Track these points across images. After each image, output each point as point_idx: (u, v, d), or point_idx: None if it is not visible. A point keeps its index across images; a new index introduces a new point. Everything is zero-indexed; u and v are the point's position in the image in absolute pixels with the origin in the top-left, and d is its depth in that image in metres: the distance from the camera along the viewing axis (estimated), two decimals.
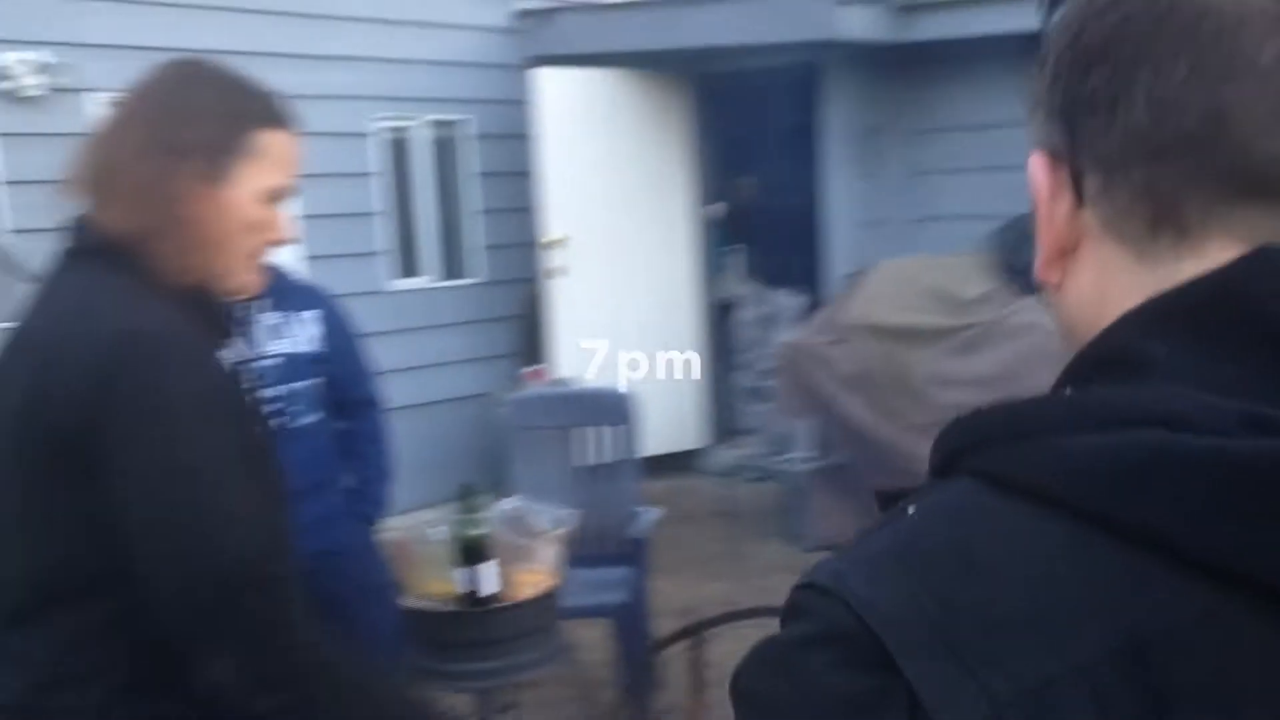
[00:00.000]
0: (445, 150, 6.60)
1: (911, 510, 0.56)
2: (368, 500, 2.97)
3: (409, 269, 6.47)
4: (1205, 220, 0.56)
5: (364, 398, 3.03)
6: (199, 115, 1.45)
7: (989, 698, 0.48)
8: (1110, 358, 0.55)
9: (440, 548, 2.55)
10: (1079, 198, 0.59)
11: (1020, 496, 0.52)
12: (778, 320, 6.65)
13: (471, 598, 2.43)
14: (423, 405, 6.19)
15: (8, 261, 4.12)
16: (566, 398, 4.60)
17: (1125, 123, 0.56)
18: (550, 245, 6.34)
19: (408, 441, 5.84)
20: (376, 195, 6.28)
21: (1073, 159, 0.59)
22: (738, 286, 7.12)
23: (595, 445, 4.01)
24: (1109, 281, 0.58)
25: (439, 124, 6.51)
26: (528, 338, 6.66)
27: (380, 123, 6.24)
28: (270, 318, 2.83)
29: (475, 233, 6.71)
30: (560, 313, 6.38)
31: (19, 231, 4.97)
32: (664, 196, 6.69)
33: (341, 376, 2.90)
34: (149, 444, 1.33)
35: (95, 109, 5.22)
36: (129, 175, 1.41)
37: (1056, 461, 0.51)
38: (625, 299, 6.49)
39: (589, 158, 6.35)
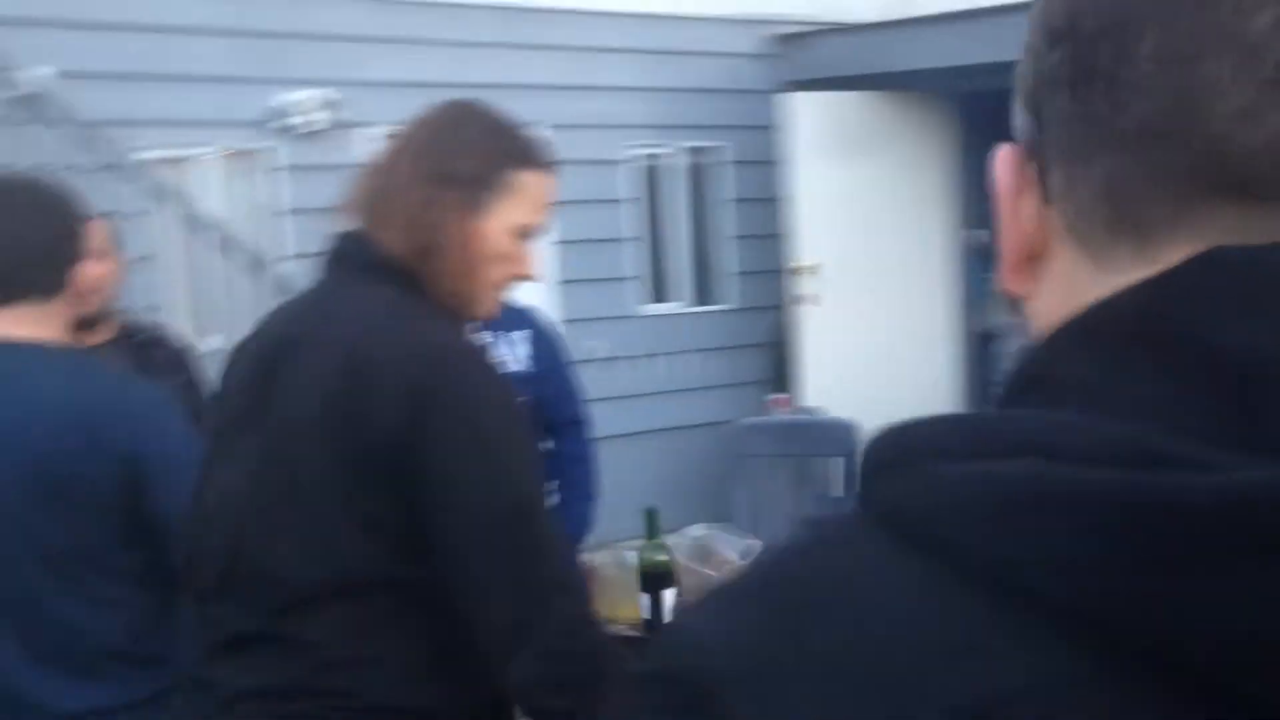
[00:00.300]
0: (699, 176, 6.66)
1: (794, 540, 0.52)
2: (571, 520, 3.01)
3: (659, 294, 6.57)
4: (1171, 223, 0.47)
5: (571, 418, 3.08)
6: (465, 150, 1.58)
7: None
8: (1035, 375, 0.49)
9: (631, 573, 2.55)
10: (1046, 195, 0.52)
11: (891, 529, 0.47)
12: None
13: (650, 625, 2.41)
14: (670, 430, 6.24)
15: (285, 288, 4.47)
16: (793, 426, 4.52)
17: (1085, 108, 0.49)
18: (800, 272, 6.26)
19: (654, 466, 5.95)
20: (628, 221, 6.41)
21: (1039, 150, 0.52)
22: (1002, 316, 6.79)
23: (825, 477, 3.92)
24: (1072, 293, 0.50)
25: (693, 150, 6.59)
26: (776, 365, 6.60)
27: (634, 150, 6.38)
28: (480, 337, 2.92)
29: (727, 259, 6.73)
30: (809, 340, 6.28)
31: (299, 256, 5.40)
32: (922, 221, 6.47)
33: (550, 397, 2.96)
34: (470, 456, 1.43)
35: (374, 142, 5.62)
36: (400, 200, 1.55)
37: (925, 492, 0.46)
38: (878, 328, 6.32)
39: (842, 182, 6.24)
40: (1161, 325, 0.45)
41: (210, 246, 4.31)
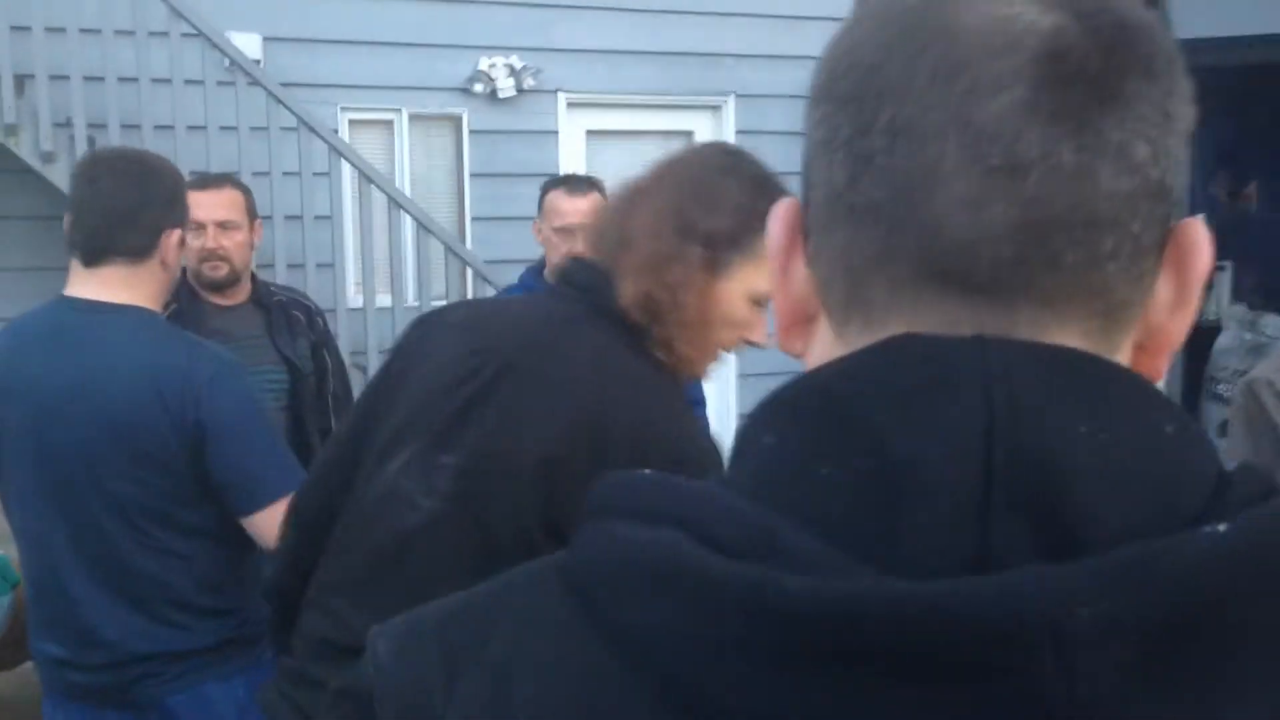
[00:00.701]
0: None
1: (501, 578, 0.53)
2: None
3: None
4: (887, 306, 0.46)
5: None
6: (718, 205, 1.45)
7: None
8: (738, 443, 0.48)
9: None
10: (807, 258, 0.51)
11: (565, 583, 0.47)
12: (1269, 350, 5.76)
13: None
14: None
15: (458, 253, 4.60)
16: None
17: (829, 176, 0.47)
18: None
19: None
20: None
21: (804, 212, 0.50)
22: (1220, 309, 6.27)
23: None
24: (824, 360, 0.48)
25: None
26: None
27: None
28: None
29: None
30: None
31: (476, 220, 5.54)
32: None
33: None
34: None
35: (559, 108, 5.70)
36: (643, 251, 1.43)
37: (585, 549, 0.47)
38: None
39: None
40: (829, 410, 0.44)
41: (389, 208, 4.46)
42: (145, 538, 1.89)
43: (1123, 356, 0.46)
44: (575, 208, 2.97)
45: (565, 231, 2.96)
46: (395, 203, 4.45)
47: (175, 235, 1.96)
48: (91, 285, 1.91)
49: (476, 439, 1.36)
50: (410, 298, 4.76)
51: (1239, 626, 0.38)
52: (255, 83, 4.29)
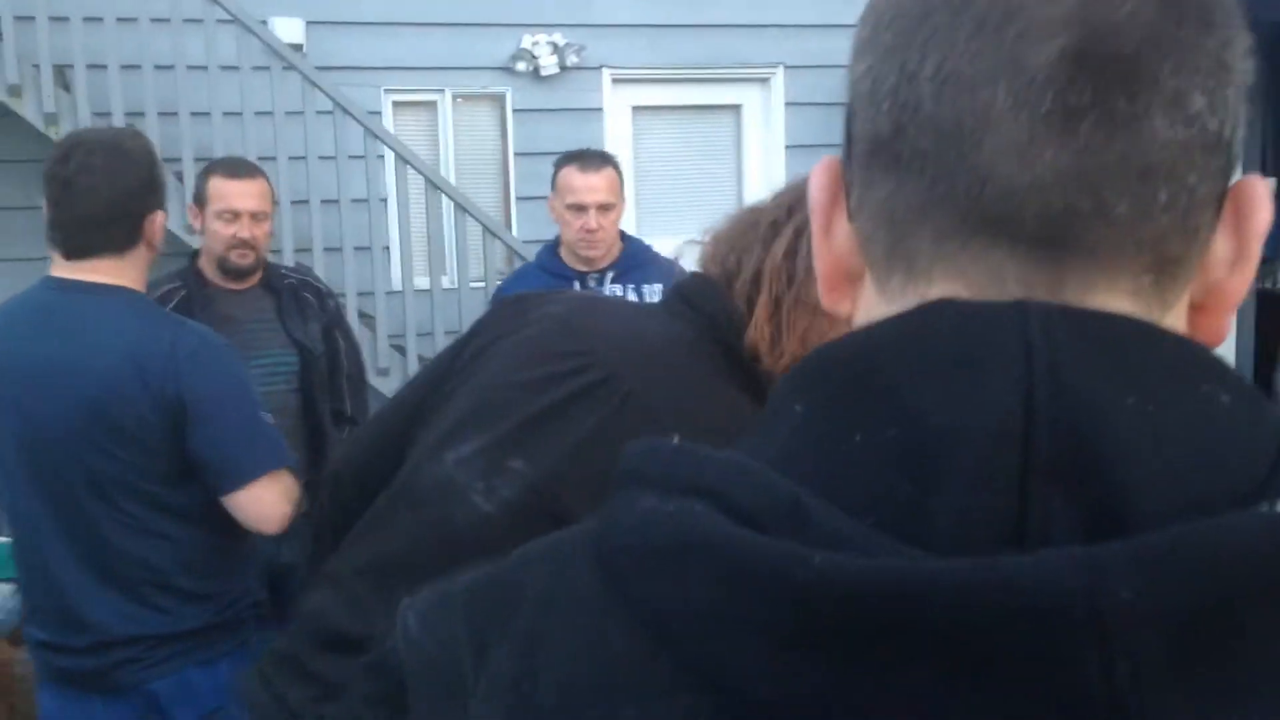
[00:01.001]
0: None
1: (531, 547, 0.52)
2: None
3: None
4: (931, 258, 0.45)
5: None
6: None
7: None
8: (769, 409, 0.47)
9: None
10: (849, 212, 0.50)
11: (594, 554, 0.46)
12: None
13: None
14: None
15: (496, 234, 4.58)
16: None
17: (874, 127, 0.46)
18: None
19: None
20: None
21: (848, 164, 0.49)
22: None
23: None
24: (868, 319, 0.48)
25: None
26: None
27: None
28: (614, 289, 2.86)
29: None
30: None
31: (521, 199, 5.51)
32: None
33: None
34: None
35: (603, 84, 5.64)
36: (773, 290, 1.28)
37: (613, 520, 0.45)
38: None
39: None
40: (862, 379, 0.43)
41: (427, 190, 4.46)
42: (126, 517, 1.89)
43: (1178, 315, 0.45)
44: (588, 184, 2.91)
45: (578, 208, 2.91)
46: (433, 184, 4.44)
47: (158, 218, 1.95)
48: (77, 271, 1.91)
49: (558, 454, 1.20)
50: (451, 281, 4.76)
51: None
52: (291, 67, 4.30)
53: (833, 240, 0.50)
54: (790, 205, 1.32)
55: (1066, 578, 0.35)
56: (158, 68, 4.21)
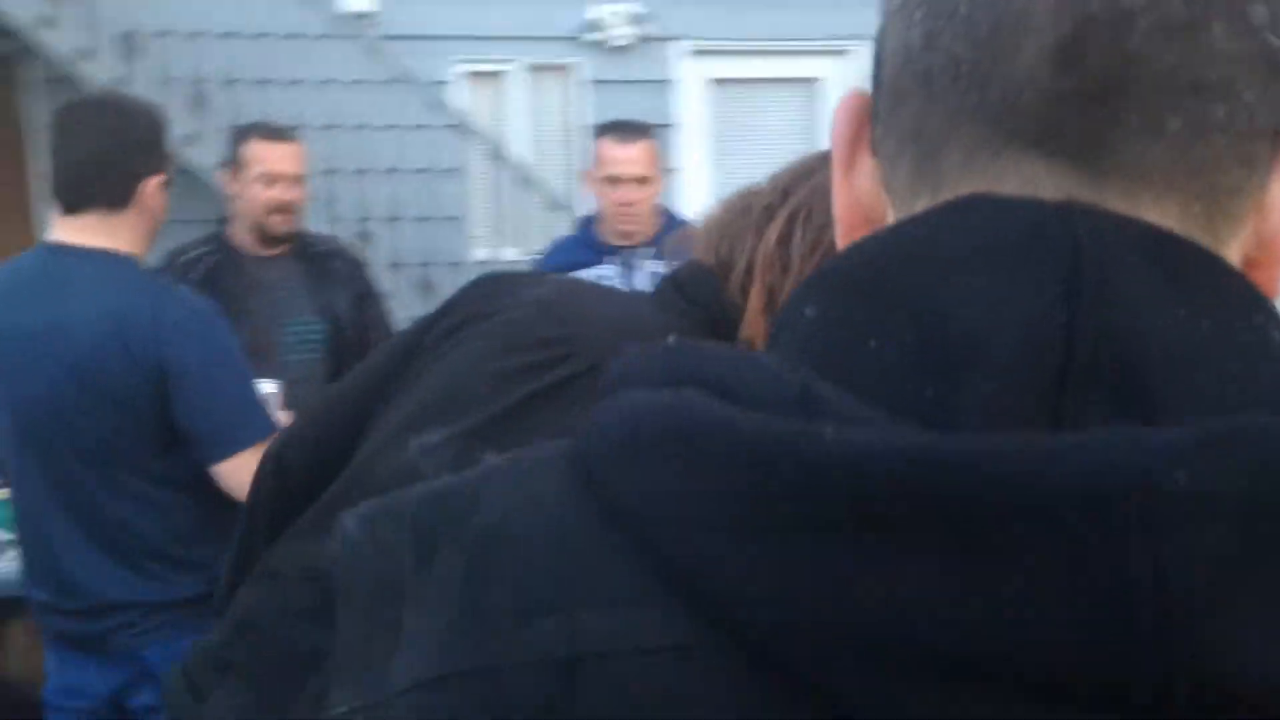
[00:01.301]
0: None
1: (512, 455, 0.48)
2: None
3: None
4: (964, 171, 0.41)
5: None
6: None
7: (399, 675, 0.40)
8: (780, 321, 0.44)
9: None
10: (873, 146, 0.46)
11: (572, 458, 0.43)
12: None
13: None
14: None
15: (559, 202, 4.53)
16: None
17: (904, 42, 0.42)
18: None
19: None
20: None
21: (874, 98, 0.45)
22: None
23: None
24: None
25: None
26: None
27: None
28: (654, 266, 2.79)
29: None
30: None
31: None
32: None
33: None
34: None
35: (680, 58, 5.54)
36: (765, 275, 1.20)
37: (595, 420, 0.42)
38: None
39: None
40: (880, 278, 0.40)
41: (492, 160, 4.43)
42: (116, 484, 1.88)
43: (1230, 257, 0.41)
44: (625, 155, 2.83)
45: (613, 180, 2.83)
46: (497, 155, 4.41)
47: (154, 181, 1.93)
48: (71, 230, 1.90)
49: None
50: (517, 253, 4.72)
51: None
52: (353, 36, 4.30)
53: (854, 179, 0.46)
54: (786, 188, 1.20)
55: (1118, 456, 0.32)
56: (221, 35, 4.24)
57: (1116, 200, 0.39)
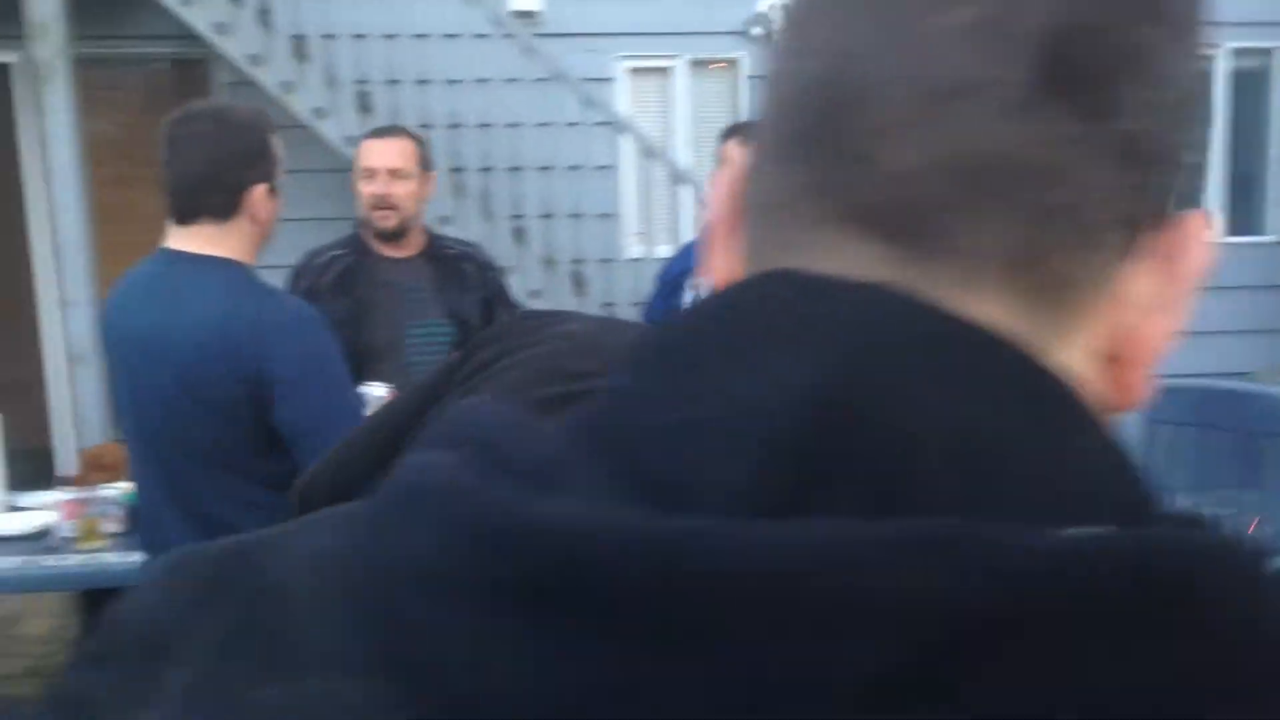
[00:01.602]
0: (1248, 84, 5.57)
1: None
2: None
3: None
4: (787, 249, 0.40)
5: None
6: None
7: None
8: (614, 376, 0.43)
9: None
10: None
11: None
12: None
13: None
14: (1178, 378, 5.41)
15: (680, 176, 4.47)
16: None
17: (764, 104, 0.42)
18: None
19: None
20: None
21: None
22: None
23: None
24: None
25: (1236, 52, 5.51)
26: None
27: None
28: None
29: (1274, 182, 5.62)
30: None
31: None
32: None
33: None
34: None
35: None
36: None
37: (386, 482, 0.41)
38: None
39: None
40: (668, 356, 0.38)
41: (645, 157, 4.40)
42: (222, 485, 1.93)
43: (1075, 352, 0.38)
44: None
45: None
46: (650, 152, 4.38)
47: (260, 190, 1.97)
48: (184, 238, 1.96)
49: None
50: (668, 250, 4.69)
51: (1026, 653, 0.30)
52: (510, 35, 4.34)
53: (731, 256, 0.45)
54: None
55: (800, 551, 0.31)
56: (385, 37, 4.35)
57: (949, 286, 0.37)
